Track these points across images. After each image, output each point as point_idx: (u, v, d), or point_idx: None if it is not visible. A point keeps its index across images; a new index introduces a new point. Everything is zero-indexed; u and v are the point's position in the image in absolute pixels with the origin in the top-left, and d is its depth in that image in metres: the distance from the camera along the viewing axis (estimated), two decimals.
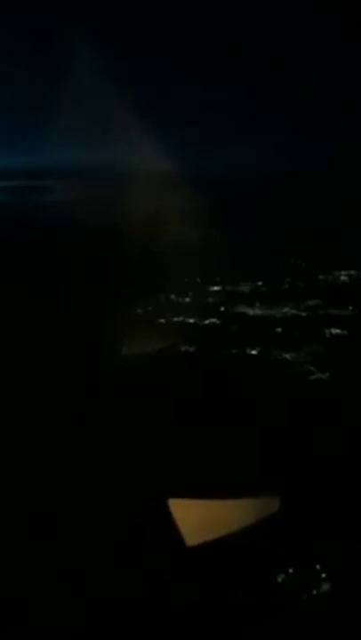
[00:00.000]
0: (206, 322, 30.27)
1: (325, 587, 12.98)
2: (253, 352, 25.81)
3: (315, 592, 12.82)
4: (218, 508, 14.43)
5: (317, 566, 13.29)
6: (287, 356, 25.35)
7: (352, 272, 40.47)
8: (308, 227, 51.26)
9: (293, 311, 32.15)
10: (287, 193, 59.28)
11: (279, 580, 13.02)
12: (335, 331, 28.60)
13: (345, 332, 28.49)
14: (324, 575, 13.12)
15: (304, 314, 31.77)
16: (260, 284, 37.93)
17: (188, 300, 34.60)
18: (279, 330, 28.98)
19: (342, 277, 39.98)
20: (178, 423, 18.81)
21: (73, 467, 16.17)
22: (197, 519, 14.04)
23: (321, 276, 39.91)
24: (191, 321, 30.43)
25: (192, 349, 26.19)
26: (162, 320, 30.50)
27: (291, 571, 13.19)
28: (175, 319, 30.68)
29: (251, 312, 32.36)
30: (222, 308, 32.83)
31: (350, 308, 32.31)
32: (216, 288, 37.07)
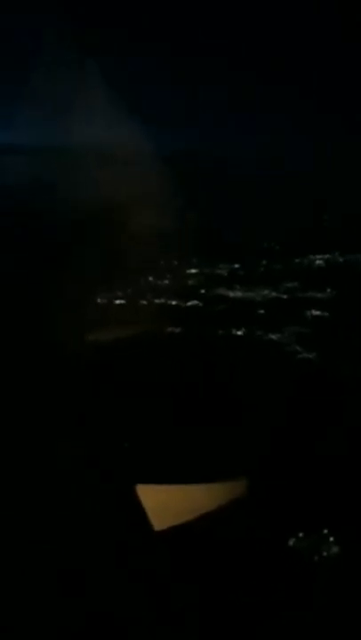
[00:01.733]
0: (189, 304, 29.21)
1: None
2: (239, 333, 24.76)
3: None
4: (185, 493, 13.85)
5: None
6: (273, 336, 24.51)
7: (327, 256, 39.60)
8: (291, 218, 50.36)
9: (274, 293, 31.29)
10: (280, 190, 58.19)
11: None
12: (316, 312, 28.09)
13: (325, 314, 28.02)
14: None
15: (284, 296, 31.01)
16: (237, 266, 36.68)
17: (167, 282, 33.33)
18: (262, 311, 28.16)
19: (317, 261, 39.08)
20: (166, 407, 17.51)
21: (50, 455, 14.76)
22: (165, 504, 13.46)
23: (296, 260, 38.94)
24: (173, 303, 29.37)
25: (177, 331, 25.09)
26: (144, 302, 29.09)
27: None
28: (157, 301, 29.50)
29: (231, 294, 31.45)
30: (203, 291, 31.74)
31: (328, 290, 31.63)
32: (194, 271, 35.83)
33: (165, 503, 13.37)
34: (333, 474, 14.73)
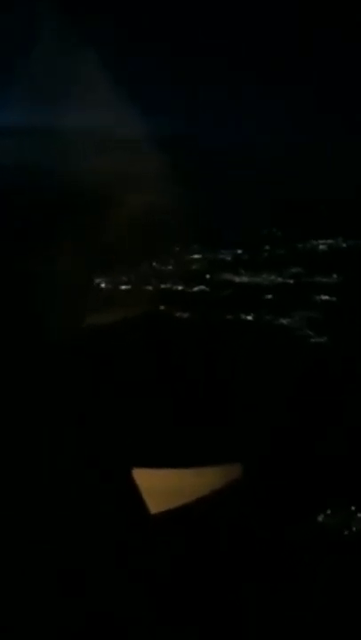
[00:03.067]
0: (195, 289, 28.10)
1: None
2: (249, 317, 23.91)
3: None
4: (181, 476, 13.49)
5: None
6: (283, 321, 23.72)
7: (330, 241, 38.27)
8: (290, 212, 49.45)
9: (280, 279, 30.19)
10: (280, 189, 57.15)
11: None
12: (324, 297, 27.08)
13: (334, 299, 27.07)
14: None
15: (291, 281, 29.90)
16: (240, 252, 35.48)
17: (171, 267, 32.08)
18: (269, 296, 27.18)
19: (321, 246, 37.74)
20: (173, 395, 16.64)
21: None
22: (160, 487, 13.13)
23: (300, 245, 37.59)
24: (180, 288, 28.24)
25: (186, 315, 24.19)
26: (149, 287, 28.06)
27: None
28: (163, 286, 28.39)
29: (237, 279, 30.28)
30: (208, 276, 30.55)
31: (334, 275, 30.49)
32: (197, 256, 34.55)
33: (161, 486, 13.00)
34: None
